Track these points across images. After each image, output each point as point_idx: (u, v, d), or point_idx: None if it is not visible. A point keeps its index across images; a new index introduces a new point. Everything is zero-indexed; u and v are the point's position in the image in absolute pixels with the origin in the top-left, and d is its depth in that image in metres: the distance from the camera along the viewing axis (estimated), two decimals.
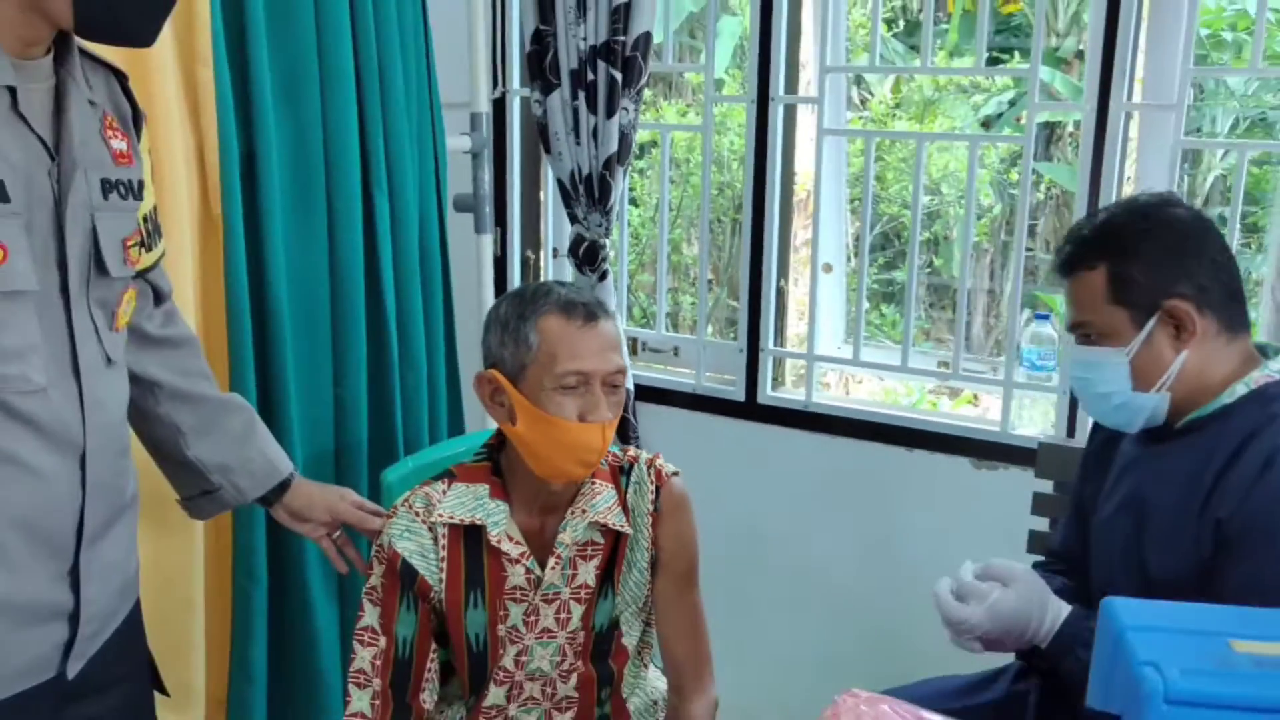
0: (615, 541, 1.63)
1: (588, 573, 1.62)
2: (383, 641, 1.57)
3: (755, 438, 2.66)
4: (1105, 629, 1.10)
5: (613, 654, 1.67)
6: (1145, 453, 1.53)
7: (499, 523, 1.58)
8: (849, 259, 2.98)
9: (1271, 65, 3.54)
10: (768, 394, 2.66)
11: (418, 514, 1.57)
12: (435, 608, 1.59)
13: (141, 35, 1.27)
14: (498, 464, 1.62)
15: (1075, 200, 2.34)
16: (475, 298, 2.48)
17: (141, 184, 1.38)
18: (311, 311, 1.99)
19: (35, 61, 1.24)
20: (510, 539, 1.58)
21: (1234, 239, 2.12)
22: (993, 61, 5.26)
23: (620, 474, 1.65)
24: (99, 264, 1.29)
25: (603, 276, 2.62)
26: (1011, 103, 5.29)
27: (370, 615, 1.58)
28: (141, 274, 1.46)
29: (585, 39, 2.48)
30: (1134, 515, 1.50)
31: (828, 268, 2.74)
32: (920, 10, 5.84)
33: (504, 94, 2.82)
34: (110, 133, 1.33)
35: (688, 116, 4.58)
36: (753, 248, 2.61)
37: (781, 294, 2.68)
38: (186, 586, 1.84)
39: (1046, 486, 2.02)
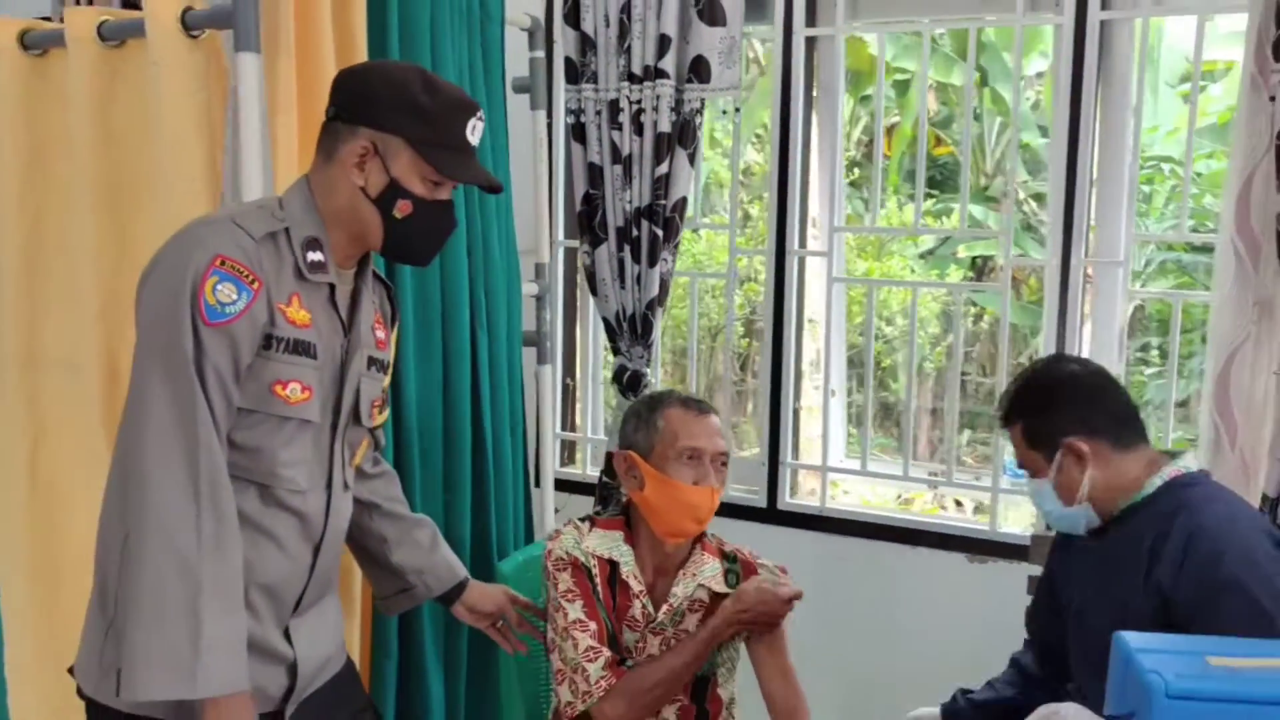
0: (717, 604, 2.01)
1: (692, 622, 2.02)
2: (593, 625, 1.94)
3: (776, 539, 3.06)
4: (1116, 653, 1.51)
5: (709, 698, 2.04)
6: (1093, 543, 1.94)
7: (629, 563, 2.01)
8: (858, 385, 3.44)
9: (1200, 224, 4.12)
10: (786, 500, 3.07)
11: (579, 537, 2.01)
12: None
13: (423, 258, 1.81)
14: (628, 520, 2.05)
15: (1032, 336, 2.82)
16: (537, 422, 2.88)
17: (388, 363, 1.85)
18: (428, 432, 2.38)
19: (348, 271, 1.75)
20: (636, 577, 2.00)
21: (1174, 365, 2.61)
22: (926, 199, 5.86)
23: (724, 557, 2.09)
24: (356, 415, 1.76)
25: None
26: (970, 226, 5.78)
27: (575, 610, 1.95)
28: (375, 429, 1.89)
29: (631, 202, 2.95)
30: (1095, 599, 1.90)
31: (834, 392, 3.19)
32: (859, 153, 6.50)
33: (551, 245, 3.27)
34: (377, 325, 1.82)
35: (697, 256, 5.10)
36: (773, 375, 3.05)
37: (796, 414, 3.12)
38: None
39: (1038, 570, 2.45)
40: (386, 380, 1.87)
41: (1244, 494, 2.44)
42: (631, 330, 3.01)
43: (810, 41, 2.98)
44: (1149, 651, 1.48)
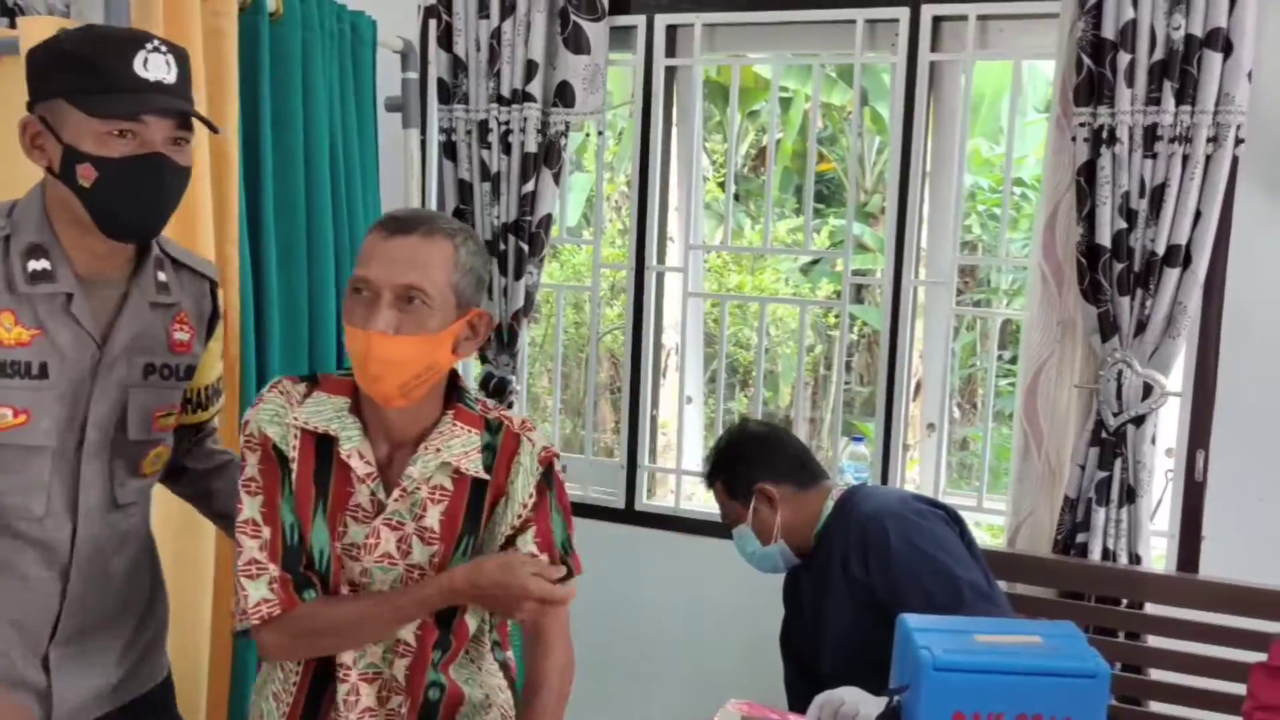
0: (471, 491, 1.61)
1: (433, 517, 1.60)
2: (267, 531, 1.56)
3: (633, 538, 3.24)
4: (899, 633, 1.72)
5: (454, 623, 1.63)
6: (807, 575, 2.26)
7: (352, 438, 1.57)
8: (709, 393, 3.64)
9: (1023, 245, 4.41)
10: (643, 502, 3.26)
11: (285, 404, 1.58)
12: None
13: (141, 227, 1.58)
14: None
15: (880, 347, 3.06)
16: None
17: (190, 368, 1.72)
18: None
19: (106, 276, 1.60)
20: (361, 456, 1.57)
21: (991, 376, 2.85)
22: (814, 214, 6.13)
23: (487, 426, 1.63)
24: (121, 428, 1.63)
25: (509, 406, 3.19)
26: (836, 244, 6.01)
27: (250, 507, 1.56)
28: (191, 426, 1.82)
29: (499, 217, 3.10)
30: (819, 619, 2.19)
31: (689, 399, 3.38)
32: (744, 167, 6.76)
33: None
34: (177, 326, 1.69)
35: (548, 265, 5.26)
36: (632, 385, 3.23)
37: (654, 420, 3.30)
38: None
39: None
40: (199, 381, 1.77)
41: (1049, 496, 2.72)
42: (498, 339, 3.15)
43: (670, 70, 3.17)
44: (925, 631, 1.69)
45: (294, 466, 1.58)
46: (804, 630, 2.27)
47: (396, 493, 1.58)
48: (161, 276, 1.67)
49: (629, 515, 3.26)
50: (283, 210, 2.44)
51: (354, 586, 1.61)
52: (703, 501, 3.67)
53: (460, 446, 1.60)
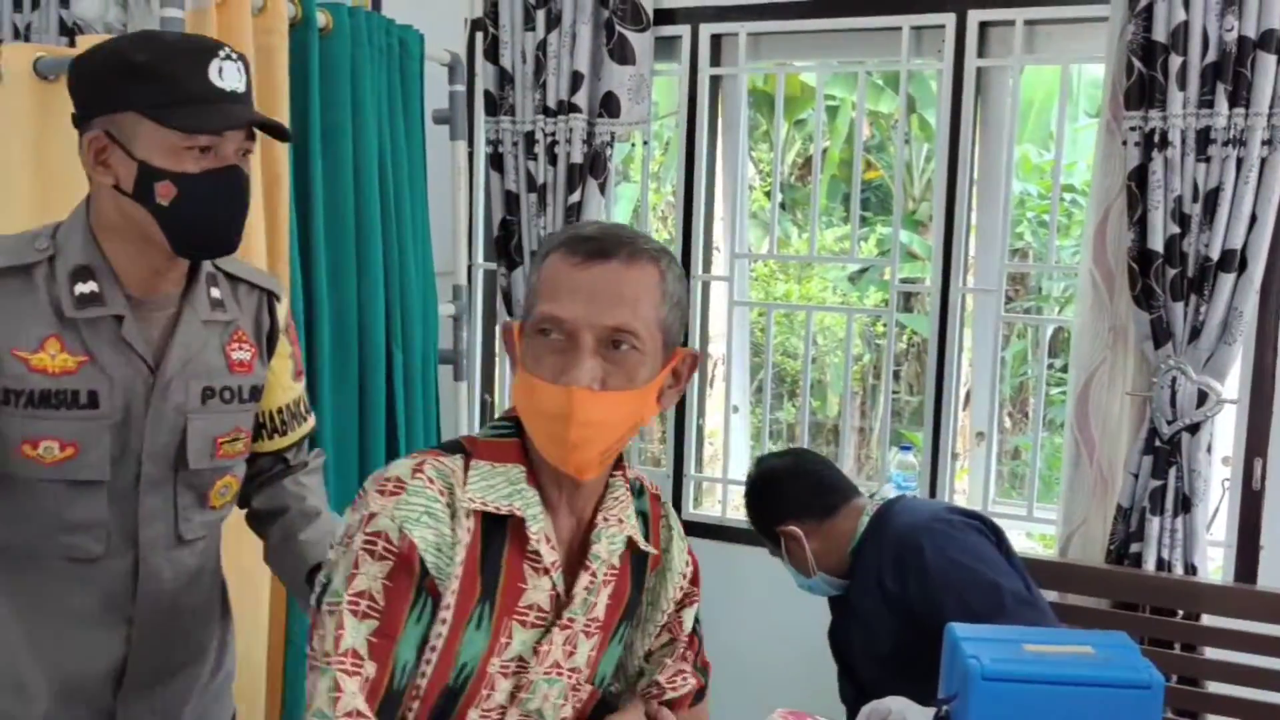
0: (633, 567, 1.35)
1: (602, 604, 1.32)
2: (372, 669, 1.17)
3: None
4: (947, 643, 1.70)
5: None
6: (849, 596, 2.22)
7: (537, 518, 1.24)
8: (757, 401, 3.63)
9: (1073, 252, 4.36)
10: (690, 511, 3.25)
11: (441, 493, 1.21)
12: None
13: (221, 243, 1.50)
14: (525, 442, 1.26)
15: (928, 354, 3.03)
16: (454, 436, 3.04)
17: (255, 388, 1.61)
18: (344, 444, 2.53)
19: (159, 295, 1.51)
20: (548, 540, 1.26)
21: (1042, 382, 2.81)
22: (861, 222, 6.11)
23: (630, 487, 1.36)
24: (181, 458, 1.52)
25: None
26: (883, 252, 5.99)
27: (355, 633, 1.16)
28: (274, 454, 1.70)
29: (545, 228, 3.12)
30: (859, 632, 2.17)
31: (736, 409, 3.38)
32: (791, 176, 6.74)
33: (470, 267, 3.43)
34: (235, 345, 1.58)
35: None
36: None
37: (700, 429, 3.30)
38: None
39: None
40: (272, 403, 1.66)
41: (1102, 505, 2.68)
42: None
43: (715, 80, 3.17)
44: (973, 640, 1.67)
45: (458, 570, 1.21)
46: (848, 638, 2.26)
47: (586, 579, 1.28)
48: (215, 293, 1.57)
49: None
50: (332, 226, 2.47)
51: (511, 700, 1.28)
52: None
53: (629, 514, 1.33)
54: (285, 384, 1.69)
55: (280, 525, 1.69)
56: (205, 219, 1.45)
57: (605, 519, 1.30)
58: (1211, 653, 2.57)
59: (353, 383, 2.54)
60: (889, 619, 2.06)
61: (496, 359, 3.54)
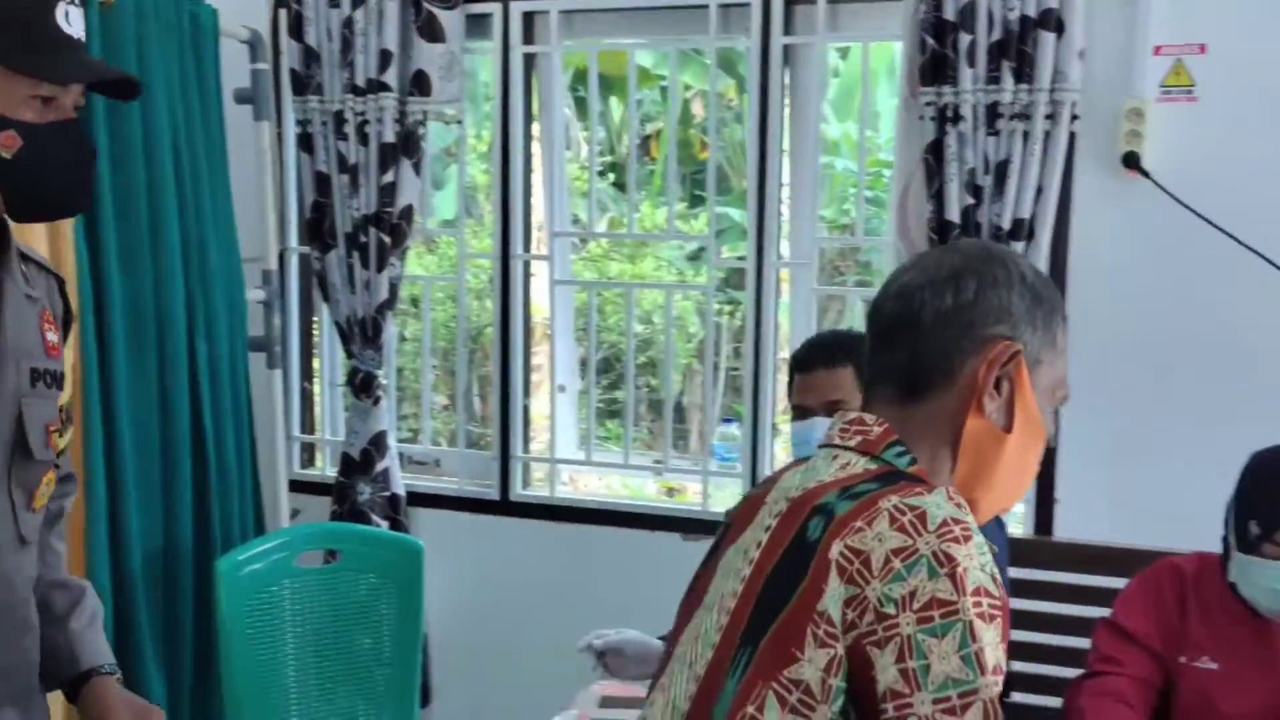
0: None
1: None
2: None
3: (510, 529, 3.22)
4: None
5: None
6: None
7: None
8: (580, 380, 3.64)
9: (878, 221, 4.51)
10: (518, 492, 3.24)
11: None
12: None
13: (65, 203, 1.41)
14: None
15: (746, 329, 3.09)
16: (269, 425, 2.96)
17: (63, 375, 1.47)
18: (144, 436, 2.43)
19: None
20: None
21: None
22: (696, 201, 6.20)
23: None
24: (24, 447, 1.37)
25: (376, 402, 3.14)
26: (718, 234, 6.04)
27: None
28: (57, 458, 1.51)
29: (359, 209, 3.05)
30: None
31: (562, 388, 3.37)
32: (626, 157, 6.78)
33: (283, 251, 3.33)
34: (47, 326, 1.45)
35: (425, 259, 5.19)
36: (502, 375, 3.22)
37: (526, 410, 3.29)
38: None
39: None
40: (64, 396, 1.48)
41: None
42: (363, 333, 3.11)
43: (530, 58, 3.15)
44: None
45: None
46: None
47: None
48: (23, 268, 1.43)
49: (505, 506, 3.25)
50: (123, 210, 2.36)
51: None
52: (580, 489, 3.67)
53: None
54: (69, 377, 1.55)
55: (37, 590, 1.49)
56: (53, 174, 1.33)
57: None
58: (1015, 603, 2.70)
59: (152, 375, 2.44)
60: None
61: (315, 345, 3.46)
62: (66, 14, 1.32)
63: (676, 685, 1.12)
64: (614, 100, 6.65)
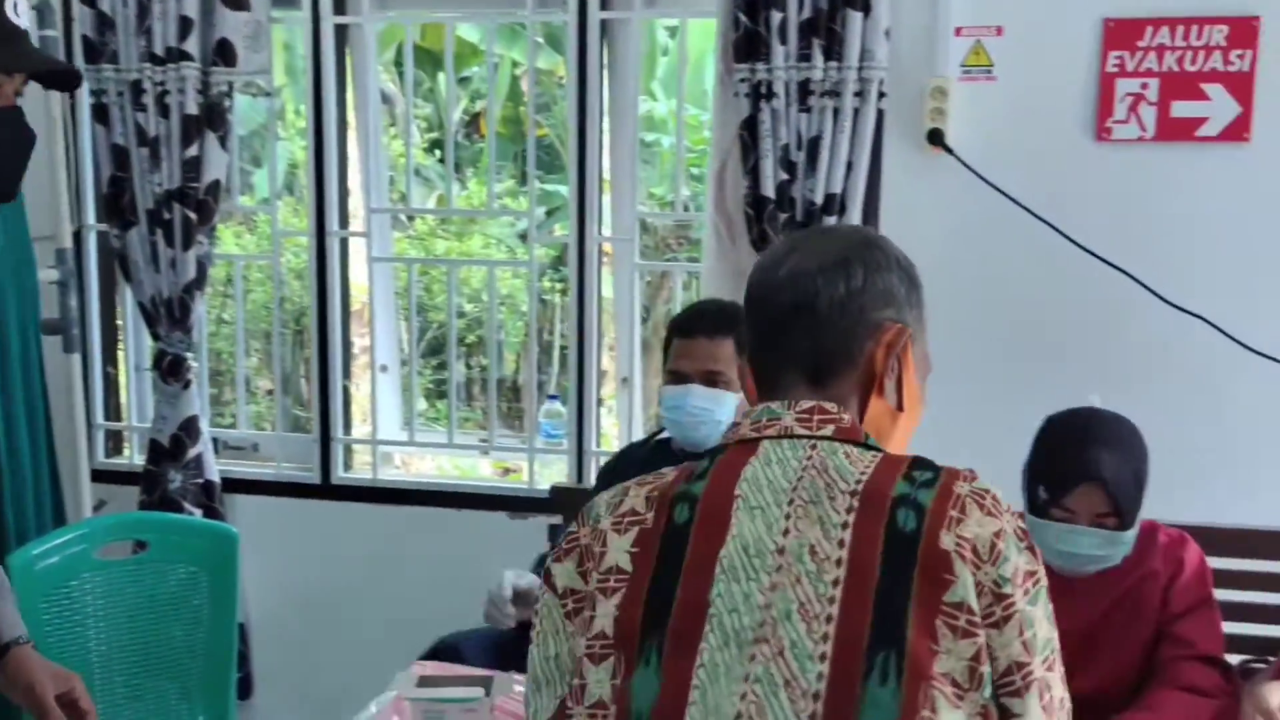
0: None
1: None
2: None
3: (332, 514, 3.14)
4: None
5: None
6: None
7: None
8: (403, 360, 3.57)
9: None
10: (340, 475, 3.16)
11: None
12: None
13: (8, 192, 1.43)
14: None
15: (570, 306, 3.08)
16: (66, 412, 2.81)
17: None
18: None
19: None
20: None
21: None
22: (528, 178, 6.15)
23: None
24: None
25: (186, 386, 3.01)
26: (549, 213, 6.02)
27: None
28: None
29: (161, 184, 2.90)
30: None
31: (384, 368, 3.30)
32: (457, 134, 6.68)
33: (80, 229, 3.14)
34: None
35: (244, 238, 5.00)
36: (320, 355, 3.12)
37: (346, 391, 3.21)
38: None
39: (558, 520, 2.70)
40: None
41: None
42: (169, 315, 2.97)
43: (343, 29, 3.06)
44: None
45: None
46: None
47: None
48: None
49: (326, 490, 3.16)
50: None
51: None
52: (414, 471, 3.62)
53: None
54: None
55: None
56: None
57: None
58: None
59: None
60: None
61: (120, 328, 3.29)
62: (15, 5, 1.39)
63: (771, 705, 1.00)
64: (442, 76, 6.54)
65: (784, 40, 2.61)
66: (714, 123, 2.80)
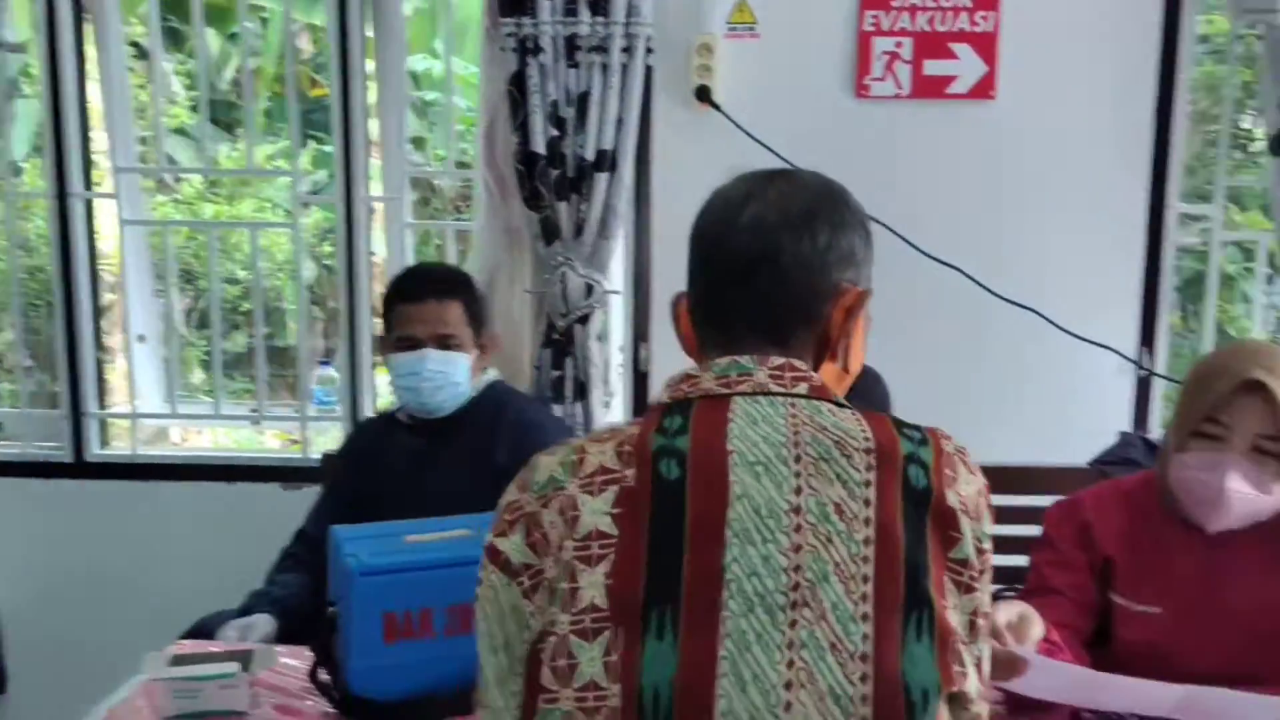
0: None
1: None
2: None
3: (87, 493, 2.95)
4: (332, 545, 1.69)
5: None
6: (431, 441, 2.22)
7: None
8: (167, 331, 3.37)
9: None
10: (95, 452, 2.97)
11: None
12: None
13: None
14: None
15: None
16: None
17: None
18: None
19: None
20: None
21: None
22: (307, 140, 5.91)
23: None
24: None
25: None
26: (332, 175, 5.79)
27: None
28: None
29: None
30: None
31: (141, 338, 3.11)
32: (230, 93, 6.35)
33: None
34: None
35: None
36: (67, 326, 2.92)
37: (100, 364, 3.01)
38: None
39: None
40: None
41: None
42: None
43: None
44: (354, 539, 1.67)
45: None
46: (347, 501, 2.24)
47: None
48: None
49: (80, 469, 2.97)
50: None
51: None
52: (195, 445, 3.43)
53: None
54: None
55: None
56: None
57: None
58: None
59: None
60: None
61: None
62: None
63: (820, 670, 0.97)
64: (213, 32, 6.22)
65: None
66: (481, 78, 2.75)
